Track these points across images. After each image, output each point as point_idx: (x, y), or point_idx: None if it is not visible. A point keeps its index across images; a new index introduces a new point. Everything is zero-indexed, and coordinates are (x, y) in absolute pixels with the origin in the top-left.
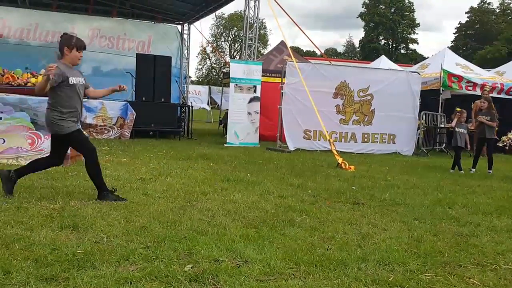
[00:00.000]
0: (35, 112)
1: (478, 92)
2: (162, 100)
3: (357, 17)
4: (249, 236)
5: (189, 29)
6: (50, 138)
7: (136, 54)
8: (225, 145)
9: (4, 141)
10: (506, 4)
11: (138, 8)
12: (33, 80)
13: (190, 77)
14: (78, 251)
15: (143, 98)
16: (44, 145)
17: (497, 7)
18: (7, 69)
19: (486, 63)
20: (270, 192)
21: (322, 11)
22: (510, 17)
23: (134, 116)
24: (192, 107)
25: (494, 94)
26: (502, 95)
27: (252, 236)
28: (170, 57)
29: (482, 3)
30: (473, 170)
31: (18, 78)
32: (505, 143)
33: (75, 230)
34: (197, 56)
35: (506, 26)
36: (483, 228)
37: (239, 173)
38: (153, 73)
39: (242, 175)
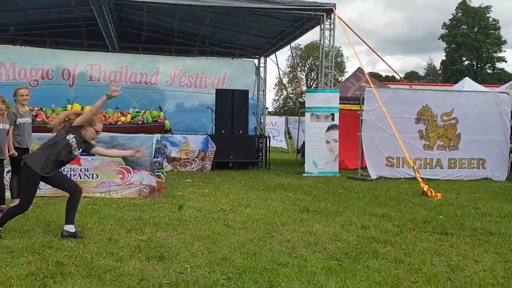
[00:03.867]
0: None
1: None
2: (240, 132)
3: (438, 39)
4: (331, 269)
5: (265, 62)
6: (139, 172)
7: (216, 89)
8: (304, 174)
9: (98, 176)
10: None
11: (216, 46)
12: (122, 118)
13: (267, 108)
14: (164, 282)
15: (222, 131)
16: (134, 179)
17: None
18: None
19: None
20: (352, 223)
21: (403, 36)
22: None
23: (215, 149)
24: (269, 137)
25: None
26: None
27: (334, 269)
28: (247, 90)
29: None
30: None
31: (109, 117)
32: None
33: (161, 261)
34: (274, 88)
35: None
36: None
37: (319, 203)
38: (232, 106)
39: (322, 205)
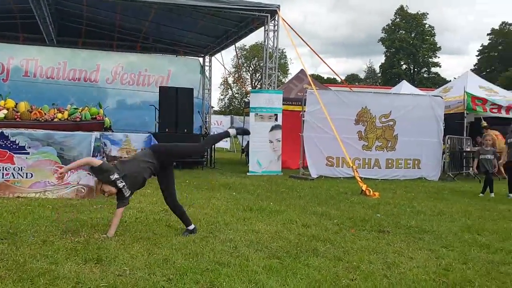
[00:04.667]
0: (61, 147)
1: (503, 114)
2: (185, 131)
3: (378, 41)
4: (272, 267)
5: (210, 60)
6: (76, 172)
7: (160, 87)
8: (248, 174)
9: (32, 175)
10: None
11: (160, 43)
12: (59, 115)
13: (212, 107)
14: (102, 285)
15: (166, 130)
16: (71, 179)
17: None
18: (35, 106)
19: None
20: (293, 221)
21: (346, 39)
22: None
23: None
24: None
25: None
26: None
27: (275, 267)
28: (192, 88)
29: (503, 24)
30: (511, 195)
31: (45, 114)
32: None
33: (98, 263)
34: (219, 87)
35: None
36: None
37: (262, 202)
38: (176, 105)
39: (264, 204)
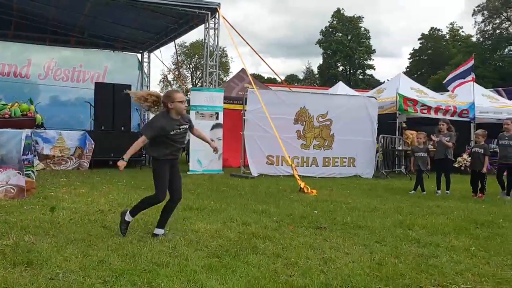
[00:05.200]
0: None
1: (432, 115)
2: (122, 128)
3: (315, 44)
4: (212, 266)
5: (149, 57)
6: (5, 171)
7: (95, 83)
8: (188, 172)
9: None
10: (455, 31)
11: (96, 37)
12: None
13: None
14: None
15: (102, 127)
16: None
17: (447, 33)
18: None
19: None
20: (233, 220)
21: (285, 39)
22: (459, 43)
23: (93, 146)
24: None
25: (448, 117)
26: (455, 117)
27: (215, 266)
28: (130, 85)
29: (433, 30)
30: (439, 192)
31: None
32: (461, 164)
33: (29, 267)
34: (158, 84)
35: (456, 51)
36: (442, 248)
37: (202, 201)
38: (113, 101)
39: (205, 203)
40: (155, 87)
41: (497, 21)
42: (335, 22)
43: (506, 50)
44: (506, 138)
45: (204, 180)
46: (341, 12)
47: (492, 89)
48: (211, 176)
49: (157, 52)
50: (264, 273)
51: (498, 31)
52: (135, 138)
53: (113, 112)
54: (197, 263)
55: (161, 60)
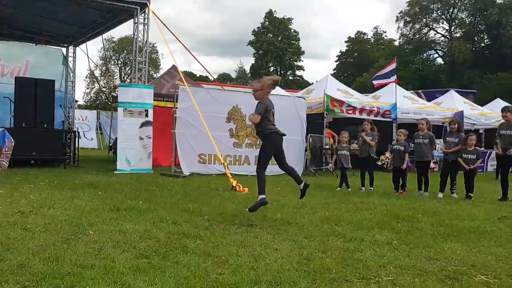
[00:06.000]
0: None
1: (357, 115)
2: (45, 126)
3: (247, 45)
4: (140, 268)
5: (74, 51)
6: None
7: (15, 77)
8: (116, 172)
9: None
10: (378, 35)
11: (17, 29)
12: None
13: (76, 101)
14: None
15: (23, 124)
16: None
17: (371, 36)
18: None
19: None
20: (163, 219)
21: (218, 38)
22: (383, 47)
23: (13, 144)
24: (78, 133)
25: (372, 117)
26: (379, 118)
27: (143, 267)
28: (53, 80)
29: (358, 33)
30: (363, 189)
31: None
32: (383, 162)
33: None
34: (85, 80)
35: (380, 54)
36: (367, 242)
37: (130, 201)
38: (34, 97)
39: (133, 203)
40: (82, 83)
41: (417, 26)
42: (267, 22)
43: (425, 54)
44: (420, 137)
45: (132, 180)
46: (273, 13)
47: (412, 91)
48: (140, 176)
49: (83, 46)
50: (194, 272)
51: (417, 36)
52: (59, 135)
53: (35, 108)
54: (124, 265)
55: (87, 55)
